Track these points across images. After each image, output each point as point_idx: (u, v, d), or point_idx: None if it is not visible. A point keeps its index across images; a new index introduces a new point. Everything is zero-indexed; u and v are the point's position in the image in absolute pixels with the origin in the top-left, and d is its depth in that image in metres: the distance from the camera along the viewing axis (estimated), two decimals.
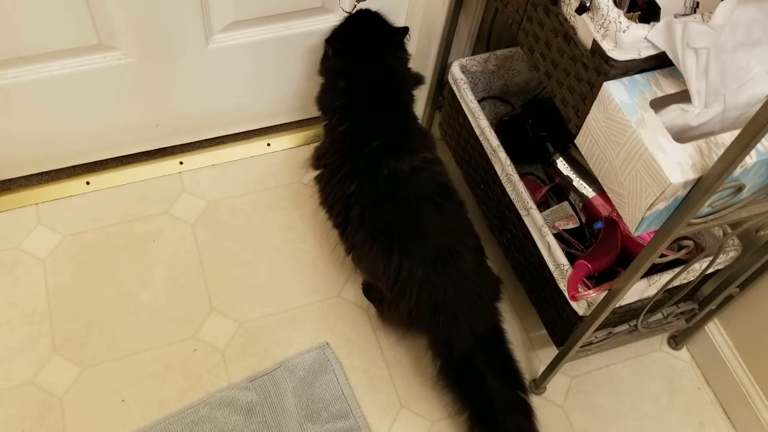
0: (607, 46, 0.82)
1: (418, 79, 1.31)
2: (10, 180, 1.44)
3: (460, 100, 1.28)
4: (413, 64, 1.35)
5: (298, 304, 1.35)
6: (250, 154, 1.56)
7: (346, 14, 1.32)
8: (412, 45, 1.40)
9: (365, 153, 1.14)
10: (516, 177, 1.15)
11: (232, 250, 1.41)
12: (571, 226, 1.23)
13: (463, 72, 1.28)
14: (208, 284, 1.36)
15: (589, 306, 1.03)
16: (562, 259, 1.07)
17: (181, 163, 1.53)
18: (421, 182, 1.13)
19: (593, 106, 0.87)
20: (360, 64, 1.25)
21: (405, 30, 1.28)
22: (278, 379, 1.25)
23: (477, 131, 1.24)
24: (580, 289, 1.01)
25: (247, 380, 1.25)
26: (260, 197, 1.49)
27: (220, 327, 1.31)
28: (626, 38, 0.80)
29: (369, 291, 1.33)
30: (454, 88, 1.29)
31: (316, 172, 1.25)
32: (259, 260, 1.40)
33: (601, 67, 0.84)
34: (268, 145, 1.58)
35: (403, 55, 1.30)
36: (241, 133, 1.58)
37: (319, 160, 1.23)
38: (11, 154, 1.38)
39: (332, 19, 1.38)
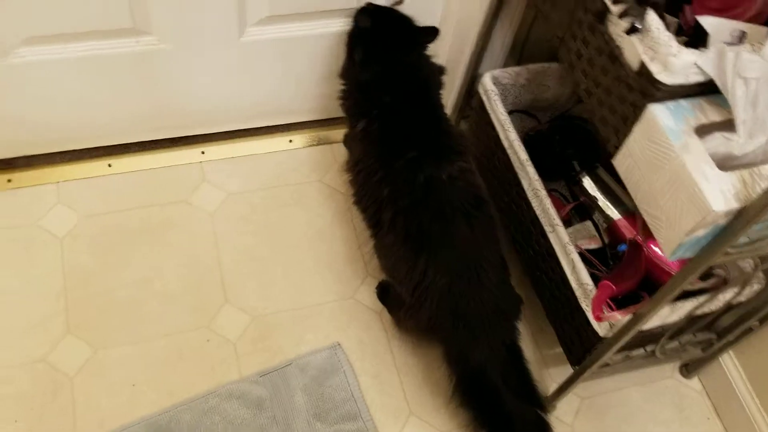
0: (655, 68, 0.82)
1: (441, 71, 1.29)
2: (32, 156, 1.43)
3: (490, 112, 1.28)
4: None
5: (312, 302, 1.35)
6: (271, 149, 1.56)
7: (366, 9, 1.28)
8: (443, 51, 1.40)
9: (401, 158, 1.13)
10: (543, 192, 1.15)
11: (249, 243, 1.41)
12: (592, 246, 1.23)
13: (494, 83, 1.28)
14: (223, 276, 1.36)
15: (610, 327, 1.02)
16: (587, 279, 1.07)
17: (202, 152, 1.53)
18: (457, 192, 1.12)
19: (635, 128, 0.86)
20: (387, 64, 1.24)
21: (433, 30, 1.26)
22: (289, 376, 1.24)
23: (505, 144, 1.24)
24: (604, 311, 1.01)
25: (257, 374, 1.24)
26: (280, 193, 1.49)
27: (234, 319, 1.31)
28: (677, 62, 0.80)
29: (384, 295, 1.33)
30: (484, 99, 1.29)
31: (350, 174, 1.24)
32: (276, 256, 1.40)
33: (647, 89, 0.84)
34: (290, 141, 1.58)
35: (430, 55, 1.29)
36: (264, 128, 1.58)
37: (353, 163, 1.23)
38: (36, 131, 1.38)
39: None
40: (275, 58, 1.39)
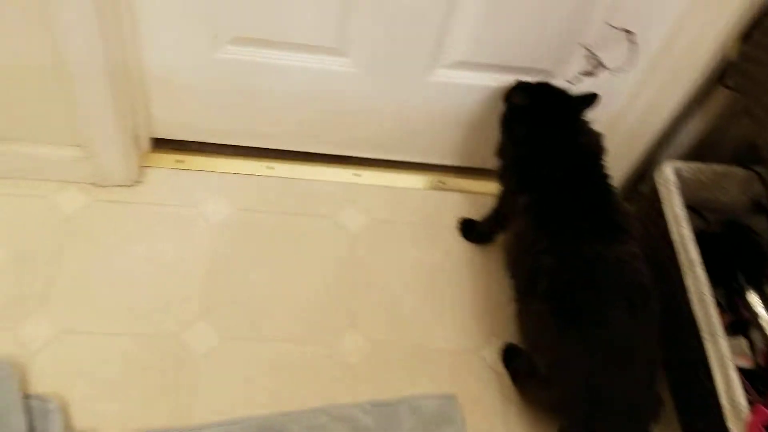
0: None
1: (600, 137, 1.26)
2: (205, 143, 1.51)
3: (665, 203, 1.24)
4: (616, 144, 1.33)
5: (434, 346, 1.34)
6: (423, 186, 1.58)
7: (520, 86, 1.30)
8: (622, 128, 1.39)
9: (569, 231, 1.12)
10: (709, 298, 1.10)
11: (383, 272, 1.42)
12: (743, 364, 1.17)
13: (676, 175, 1.25)
14: (354, 298, 1.38)
15: None
16: (741, 399, 1.01)
17: (358, 175, 1.56)
18: (624, 276, 1.09)
19: None
20: (547, 137, 1.23)
21: (592, 97, 1.25)
22: (400, 414, 1.24)
23: (675, 238, 1.20)
24: None
25: (369, 403, 1.24)
26: (421, 230, 1.50)
27: (356, 343, 1.32)
28: None
29: (510, 359, 1.31)
30: (662, 189, 1.26)
31: (506, 238, 1.24)
32: (406, 291, 1.40)
33: None
34: (442, 183, 1.60)
35: (588, 121, 1.27)
36: (420, 164, 1.60)
37: (512, 232, 1.23)
38: (217, 121, 1.46)
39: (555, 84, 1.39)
40: (454, 102, 1.42)
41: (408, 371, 1.30)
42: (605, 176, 1.22)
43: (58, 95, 1.21)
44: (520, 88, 1.28)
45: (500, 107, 1.32)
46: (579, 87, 1.39)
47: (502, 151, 1.31)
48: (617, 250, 1.10)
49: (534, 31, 1.29)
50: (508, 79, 1.38)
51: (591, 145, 1.25)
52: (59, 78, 1.17)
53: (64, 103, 1.22)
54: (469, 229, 1.49)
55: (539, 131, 1.24)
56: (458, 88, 1.38)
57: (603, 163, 1.23)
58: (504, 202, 1.34)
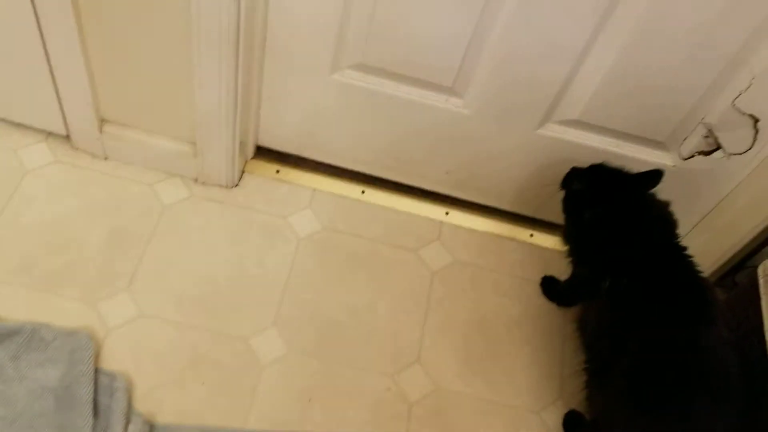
0: None
1: (668, 205, 1.23)
2: (303, 159, 1.55)
3: (763, 297, 1.18)
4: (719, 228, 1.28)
5: (496, 399, 1.31)
6: (511, 236, 1.56)
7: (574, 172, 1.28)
8: (730, 210, 1.35)
9: (653, 312, 1.08)
10: None
11: (457, 315, 1.40)
12: None
13: None
14: (424, 335, 1.36)
15: None
16: None
17: (447, 213, 1.56)
18: (710, 364, 1.04)
19: None
20: (616, 218, 1.19)
21: (657, 174, 1.20)
22: None
23: None
24: None
25: None
26: (503, 280, 1.48)
27: (419, 381, 1.30)
28: None
29: (572, 427, 1.26)
30: (761, 282, 1.20)
31: (583, 311, 1.21)
32: (478, 337, 1.38)
33: None
34: (531, 235, 1.57)
35: (653, 194, 1.23)
36: (511, 213, 1.58)
37: (594, 309, 1.20)
38: (319, 139, 1.49)
39: (664, 158, 1.36)
40: (557, 157, 1.40)
41: (467, 420, 1.27)
42: (683, 251, 1.18)
43: (183, 92, 1.27)
44: (576, 173, 1.26)
45: (561, 195, 1.30)
46: (691, 165, 1.35)
47: (569, 236, 1.29)
48: (705, 334, 1.05)
49: (657, 103, 1.26)
50: (621, 145, 1.36)
51: (663, 221, 1.21)
52: (186, 74, 1.23)
53: (186, 101, 1.28)
54: (551, 288, 1.46)
55: (606, 213, 1.20)
56: (567, 145, 1.37)
57: (677, 236, 1.20)
58: (579, 283, 1.31)
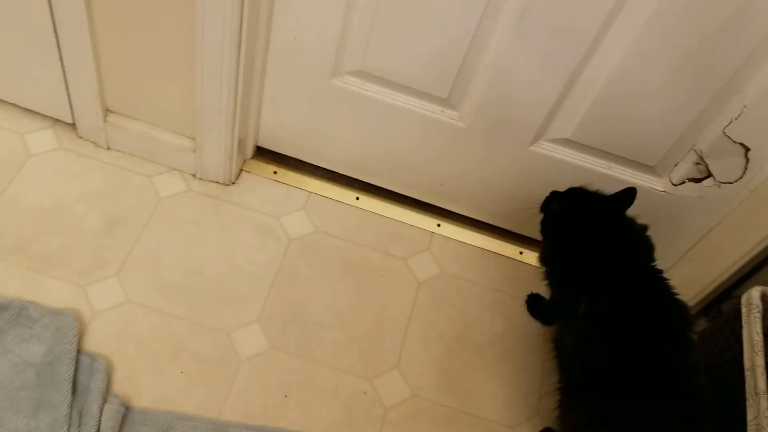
0: None
1: (646, 229, 1.23)
2: (301, 162, 1.57)
3: (744, 326, 1.18)
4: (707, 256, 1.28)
5: (473, 411, 1.32)
6: (500, 251, 1.57)
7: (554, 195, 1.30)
8: (716, 238, 1.35)
9: (627, 335, 1.09)
10: None
11: (440, 326, 1.42)
12: None
13: (762, 301, 1.18)
14: (405, 342, 1.37)
15: None
16: None
17: (438, 225, 1.58)
18: (681, 388, 1.05)
19: None
20: (592, 240, 1.20)
21: (631, 192, 1.22)
22: None
23: (747, 364, 1.13)
24: None
25: None
26: (489, 294, 1.49)
27: (396, 386, 1.31)
28: None
29: None
30: (744, 311, 1.19)
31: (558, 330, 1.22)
32: (459, 349, 1.39)
33: None
34: (521, 253, 1.59)
35: (631, 217, 1.24)
36: (502, 229, 1.60)
37: (573, 333, 1.21)
38: (318, 143, 1.51)
39: (654, 183, 1.37)
40: (551, 176, 1.41)
41: (438, 428, 1.28)
42: (659, 274, 1.19)
43: (185, 87, 1.30)
44: (555, 196, 1.28)
45: (539, 217, 1.31)
46: (681, 192, 1.36)
47: (546, 258, 1.30)
48: (679, 358, 1.06)
49: (648, 127, 1.28)
50: (611, 167, 1.37)
51: (639, 243, 1.22)
52: (189, 71, 1.27)
53: (188, 96, 1.31)
54: (536, 306, 1.47)
55: (583, 234, 1.21)
56: (558, 163, 1.38)
57: (654, 259, 1.20)
58: (557, 304, 1.32)
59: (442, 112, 1.36)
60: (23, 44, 1.32)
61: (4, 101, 1.47)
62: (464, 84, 1.29)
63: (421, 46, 1.24)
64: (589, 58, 1.19)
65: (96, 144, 1.47)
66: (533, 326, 1.46)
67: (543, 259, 1.31)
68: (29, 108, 1.48)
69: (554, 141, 1.35)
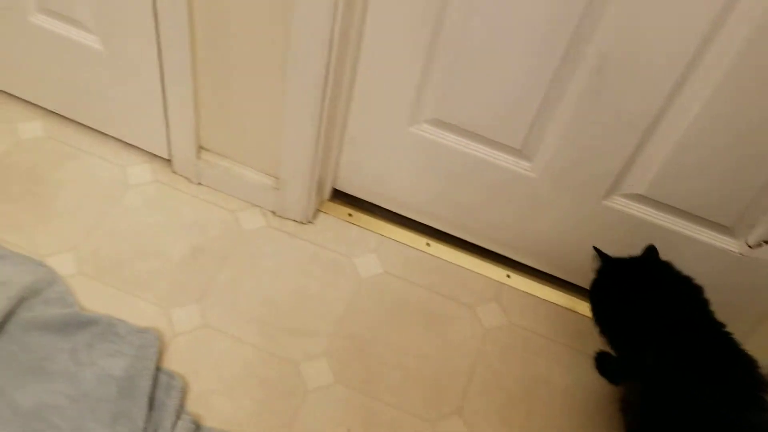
0: None
1: (692, 280, 1.22)
2: (375, 206, 1.63)
3: None
4: None
5: None
6: (569, 306, 1.57)
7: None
8: None
9: (698, 393, 1.06)
10: None
11: (505, 375, 1.41)
12: None
13: None
14: (468, 389, 1.38)
15: None
16: None
17: (508, 276, 1.59)
18: None
19: None
20: (640, 296, 1.20)
21: (651, 247, 1.25)
22: None
23: None
24: None
25: None
26: (557, 349, 1.48)
27: (456, 430, 1.31)
28: None
29: None
30: None
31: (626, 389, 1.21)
32: (522, 401, 1.38)
33: None
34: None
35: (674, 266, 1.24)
36: (572, 284, 1.60)
37: (640, 394, 1.19)
38: (391, 188, 1.57)
39: (730, 244, 1.35)
40: (620, 231, 1.41)
41: None
42: (721, 327, 1.16)
43: (273, 129, 1.40)
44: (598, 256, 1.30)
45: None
46: (758, 254, 1.34)
47: (597, 320, 1.30)
48: (753, 418, 1.02)
49: (726, 186, 1.27)
50: (686, 225, 1.36)
51: (696, 295, 1.20)
52: (278, 115, 1.36)
53: (275, 138, 1.41)
54: (604, 364, 1.44)
55: (639, 291, 1.22)
56: (631, 219, 1.39)
57: (712, 310, 1.18)
58: (622, 361, 1.30)
59: (516, 162, 1.40)
60: (134, 88, 1.46)
61: (111, 136, 1.62)
62: (537, 135, 1.33)
63: (497, 98, 1.29)
64: (667, 108, 1.19)
65: (188, 179, 1.58)
66: (601, 383, 1.44)
67: (595, 321, 1.30)
68: (132, 143, 1.61)
69: (628, 196, 1.36)
